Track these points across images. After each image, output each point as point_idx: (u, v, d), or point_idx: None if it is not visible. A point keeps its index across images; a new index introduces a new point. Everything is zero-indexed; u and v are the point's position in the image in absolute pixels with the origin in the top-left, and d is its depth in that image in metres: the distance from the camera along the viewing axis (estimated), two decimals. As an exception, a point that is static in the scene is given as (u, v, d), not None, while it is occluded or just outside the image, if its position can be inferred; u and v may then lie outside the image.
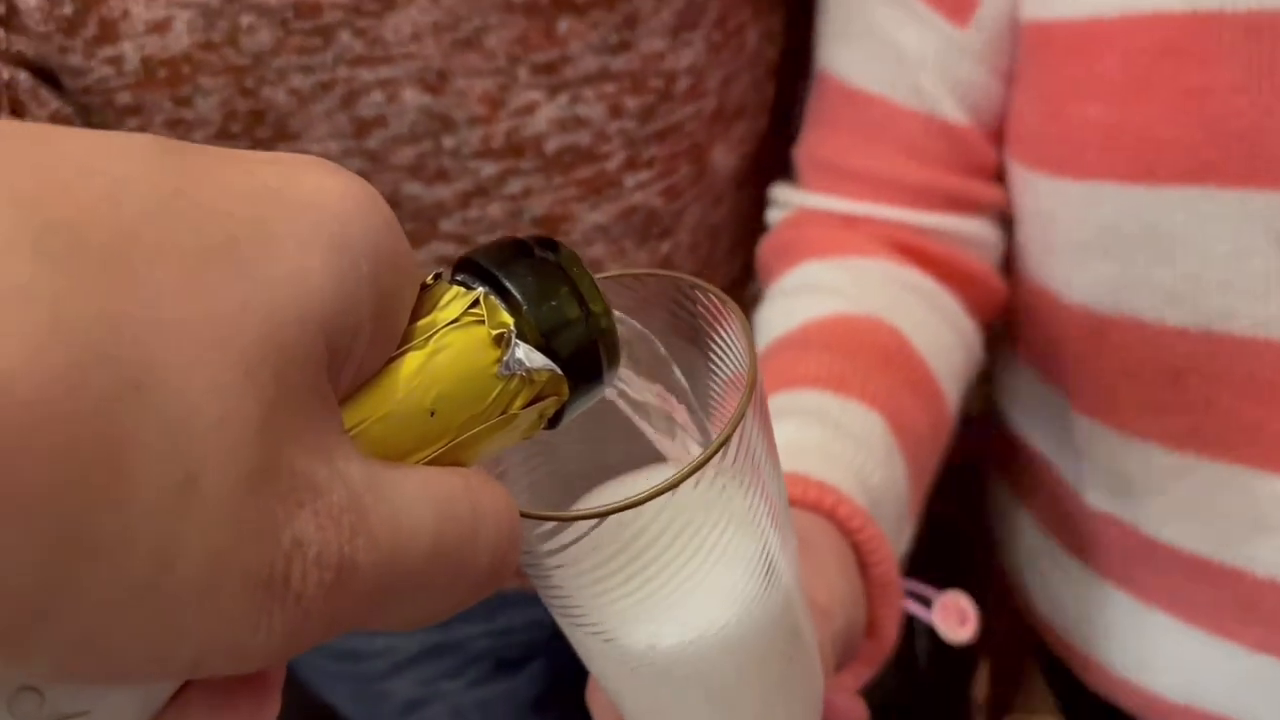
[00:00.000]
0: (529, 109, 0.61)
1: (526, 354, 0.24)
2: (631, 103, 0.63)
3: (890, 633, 0.49)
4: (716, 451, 0.28)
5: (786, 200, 0.68)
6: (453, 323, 0.24)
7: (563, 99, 0.62)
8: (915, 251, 0.63)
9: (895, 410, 0.55)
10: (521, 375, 0.24)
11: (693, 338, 0.31)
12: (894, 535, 0.52)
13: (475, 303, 0.24)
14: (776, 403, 0.54)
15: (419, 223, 0.63)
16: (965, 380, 0.63)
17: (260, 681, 0.22)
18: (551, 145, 0.62)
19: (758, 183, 0.79)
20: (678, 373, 0.30)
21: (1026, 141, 0.61)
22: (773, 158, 0.83)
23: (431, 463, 0.24)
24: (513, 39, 0.60)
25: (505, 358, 0.24)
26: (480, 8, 0.59)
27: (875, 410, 0.54)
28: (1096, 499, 0.67)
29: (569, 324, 0.25)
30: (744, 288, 0.83)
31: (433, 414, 0.23)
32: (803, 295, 0.61)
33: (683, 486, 0.27)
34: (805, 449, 0.50)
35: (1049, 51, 0.58)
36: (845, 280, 0.61)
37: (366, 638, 0.90)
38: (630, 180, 0.65)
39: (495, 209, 0.63)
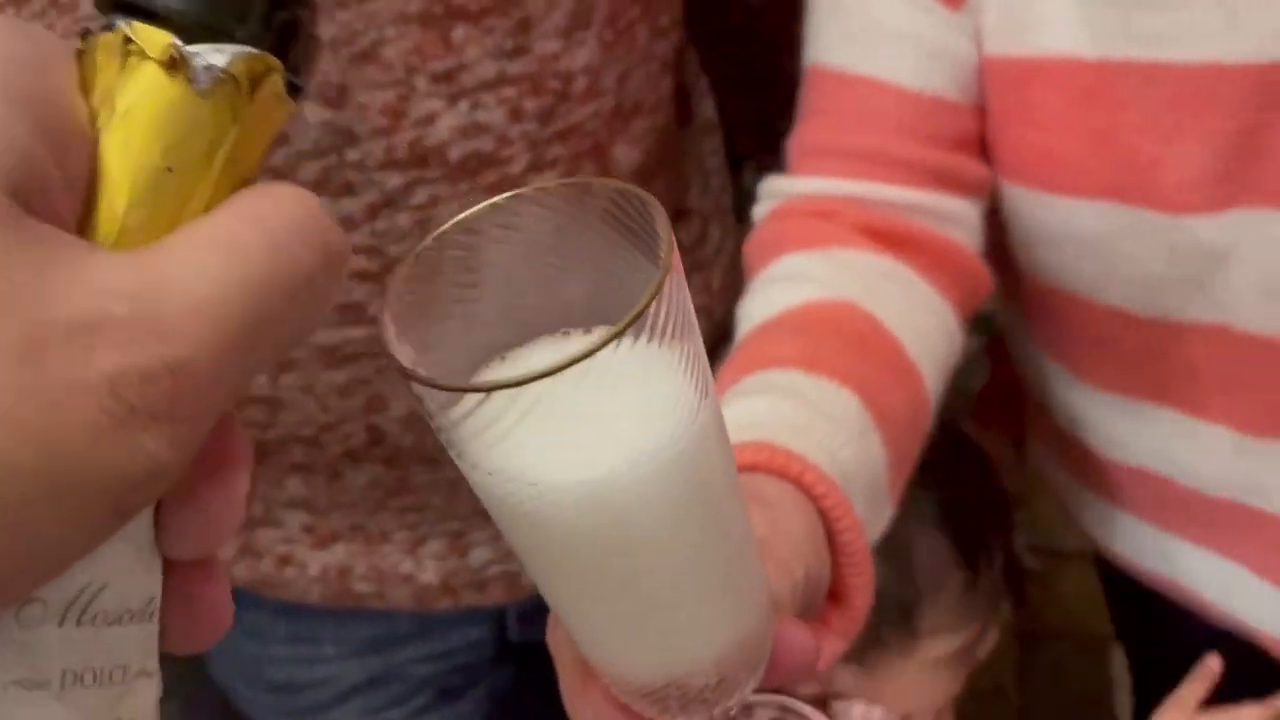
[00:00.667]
0: (430, 118, 0.62)
1: (208, 55, 0.22)
2: (531, 105, 0.64)
3: (861, 603, 0.49)
4: (634, 320, 0.28)
5: (772, 190, 0.69)
6: (121, 73, 0.22)
7: (463, 106, 0.62)
8: (897, 237, 0.65)
9: (870, 391, 0.55)
10: (220, 78, 0.22)
11: (630, 238, 0.31)
12: (868, 511, 0.52)
13: (128, 40, 0.22)
14: (748, 383, 0.54)
15: (329, 238, 0.64)
16: (945, 366, 0.64)
17: (214, 468, 0.23)
18: (455, 153, 0.63)
19: (664, 175, 0.80)
20: None
21: (987, 147, 0.67)
22: (676, 150, 0.85)
23: (210, 206, 0.22)
24: (409, 50, 0.61)
25: (191, 75, 0.22)
26: (376, 21, 0.60)
27: (848, 389, 0.54)
28: (1061, 422, 0.77)
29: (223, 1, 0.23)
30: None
31: (171, 170, 0.22)
32: (780, 284, 0.63)
33: (601, 352, 0.27)
34: (775, 422, 0.50)
35: (996, 83, 0.64)
36: (823, 269, 0.62)
37: (304, 667, 0.89)
38: (535, 182, 0.66)
39: (403, 219, 0.64)
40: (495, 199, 0.32)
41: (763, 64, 0.89)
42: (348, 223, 0.64)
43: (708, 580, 0.35)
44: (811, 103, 0.68)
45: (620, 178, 0.71)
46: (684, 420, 0.31)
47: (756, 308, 0.62)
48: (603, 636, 0.37)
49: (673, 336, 0.30)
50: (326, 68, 0.60)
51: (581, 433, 0.30)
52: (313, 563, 0.81)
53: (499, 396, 0.28)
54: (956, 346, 0.66)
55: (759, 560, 0.38)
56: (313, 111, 0.61)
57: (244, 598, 0.87)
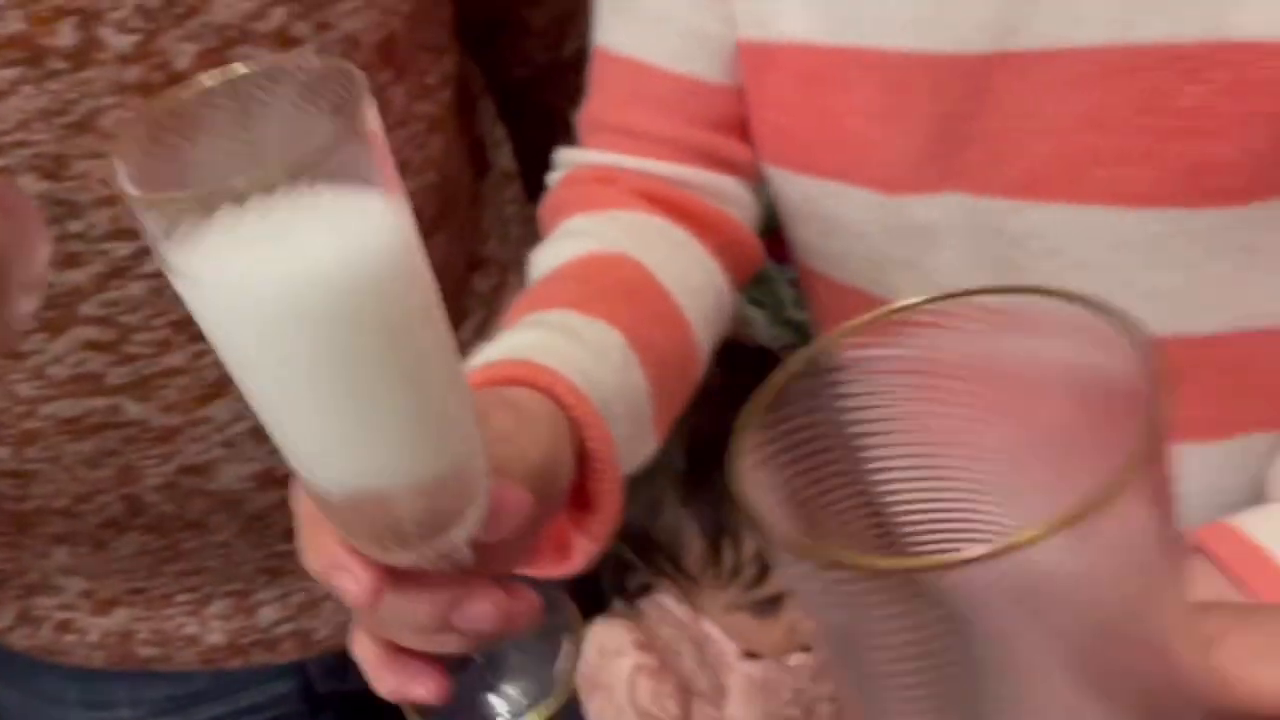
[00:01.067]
0: None
1: None
2: None
3: (611, 507, 0.54)
4: (332, 146, 0.34)
5: (563, 160, 0.74)
6: None
7: None
8: (670, 204, 0.69)
9: (636, 331, 0.59)
10: None
11: (339, 107, 0.37)
12: (629, 436, 0.56)
13: None
14: (522, 321, 0.59)
15: (57, 310, 0.62)
16: (714, 320, 0.68)
17: None
18: None
19: (448, 229, 0.80)
20: None
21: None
22: (466, 203, 0.84)
23: None
24: None
25: None
26: (91, 90, 0.59)
27: (615, 328, 0.58)
28: None
29: None
30: (457, 329, 0.84)
31: None
32: (564, 240, 0.67)
33: (293, 173, 0.34)
34: (537, 347, 0.54)
35: (745, 66, 0.67)
36: (601, 227, 0.67)
37: (104, 711, 0.87)
38: None
39: (136, 288, 0.63)
40: (229, 72, 0.37)
41: (558, 110, 0.89)
42: (77, 294, 0.62)
43: (400, 396, 0.39)
44: (593, 80, 0.72)
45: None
46: (373, 236, 0.37)
47: (543, 260, 0.66)
48: (315, 454, 0.41)
49: (365, 175, 0.36)
50: (40, 138, 0.59)
51: (281, 242, 0.35)
52: (93, 629, 0.80)
53: (203, 205, 0.34)
54: (725, 303, 0.70)
55: (468, 406, 0.43)
56: (28, 184, 0.59)
57: (34, 663, 0.85)
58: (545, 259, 0.66)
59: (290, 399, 0.39)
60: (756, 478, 0.22)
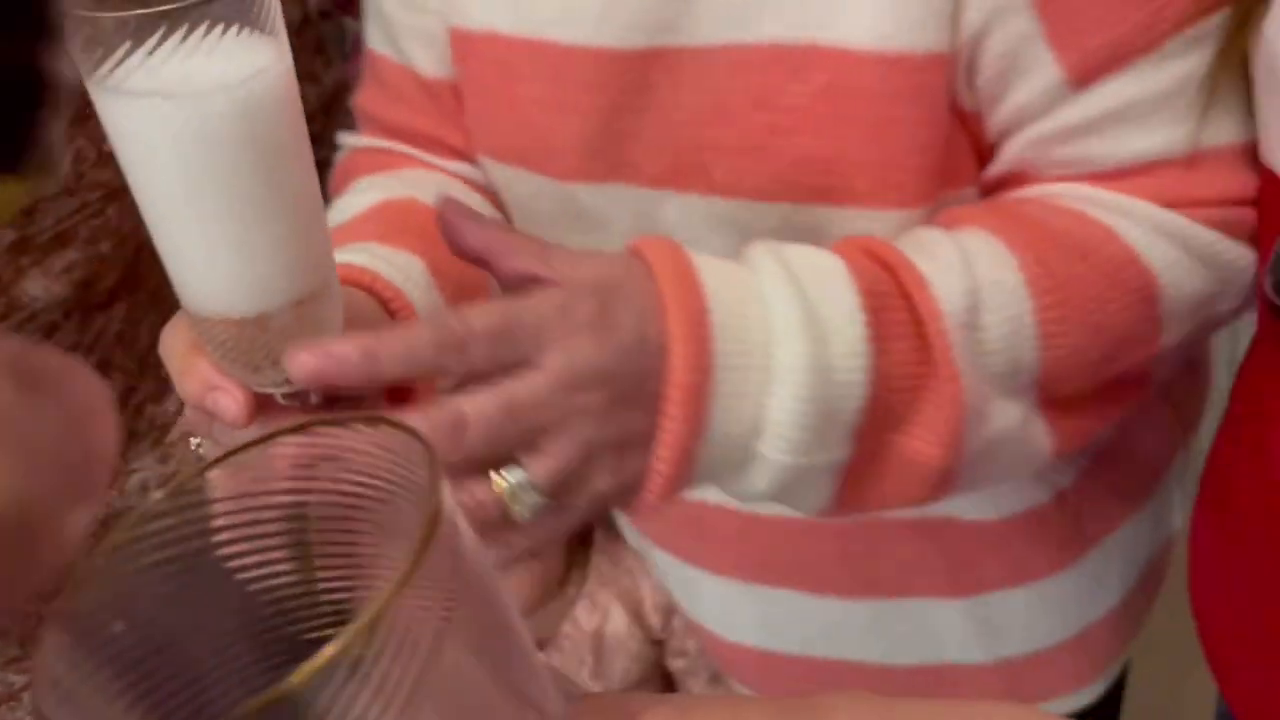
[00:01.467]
0: None
1: None
2: None
3: (425, 394, 0.56)
4: None
5: (342, 143, 0.77)
6: None
7: None
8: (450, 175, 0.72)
9: (436, 265, 0.61)
10: None
11: None
12: None
13: None
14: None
15: None
16: None
17: None
18: None
19: (130, 297, 0.77)
20: None
21: None
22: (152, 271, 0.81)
23: None
24: None
25: None
26: None
27: (416, 257, 0.60)
28: None
29: None
30: (160, 403, 0.81)
31: None
32: (353, 195, 0.69)
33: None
34: (349, 260, 0.58)
35: (454, 55, 0.69)
36: (390, 181, 0.69)
37: None
38: None
39: None
40: None
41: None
42: None
43: (281, 212, 0.45)
44: (364, 72, 0.76)
45: (40, 313, 0.68)
46: (268, 69, 0.44)
47: (335, 214, 0.67)
48: (207, 273, 0.46)
49: (263, 27, 0.44)
50: None
51: (194, 64, 0.42)
52: None
53: (127, 28, 0.41)
54: None
55: (330, 242, 0.49)
56: None
57: None
58: (335, 214, 0.67)
59: (189, 215, 0.45)
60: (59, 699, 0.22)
